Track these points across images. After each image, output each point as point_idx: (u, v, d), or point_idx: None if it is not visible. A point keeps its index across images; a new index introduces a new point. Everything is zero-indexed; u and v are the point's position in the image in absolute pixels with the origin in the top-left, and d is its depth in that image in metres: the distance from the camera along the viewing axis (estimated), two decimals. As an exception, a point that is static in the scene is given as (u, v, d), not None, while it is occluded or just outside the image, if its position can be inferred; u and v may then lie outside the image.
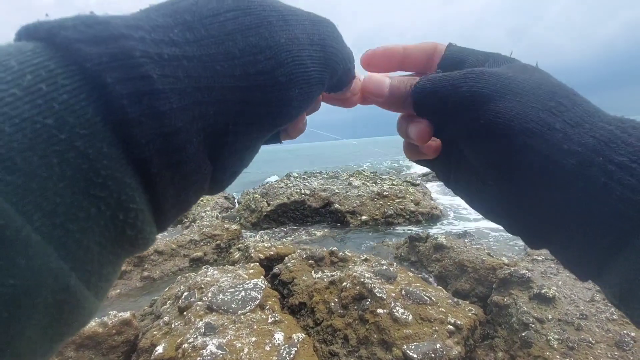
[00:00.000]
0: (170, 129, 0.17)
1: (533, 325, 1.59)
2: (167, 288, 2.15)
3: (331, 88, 0.29)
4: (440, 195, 5.59)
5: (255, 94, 0.21)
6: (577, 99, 0.25)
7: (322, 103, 0.34)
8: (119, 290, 2.72)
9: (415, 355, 1.42)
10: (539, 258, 2.22)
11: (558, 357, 1.43)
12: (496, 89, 0.26)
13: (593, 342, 1.46)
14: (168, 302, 1.94)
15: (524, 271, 1.86)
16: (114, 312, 1.79)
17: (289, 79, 0.22)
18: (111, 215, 0.17)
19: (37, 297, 0.14)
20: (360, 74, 0.32)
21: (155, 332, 1.66)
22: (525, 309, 1.68)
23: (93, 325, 1.66)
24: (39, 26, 0.16)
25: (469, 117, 0.26)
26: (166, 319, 1.72)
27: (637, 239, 0.20)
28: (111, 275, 0.19)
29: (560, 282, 1.86)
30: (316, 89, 0.25)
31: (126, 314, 1.77)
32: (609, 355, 1.39)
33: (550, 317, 1.61)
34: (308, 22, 0.24)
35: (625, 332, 1.46)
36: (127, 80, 0.16)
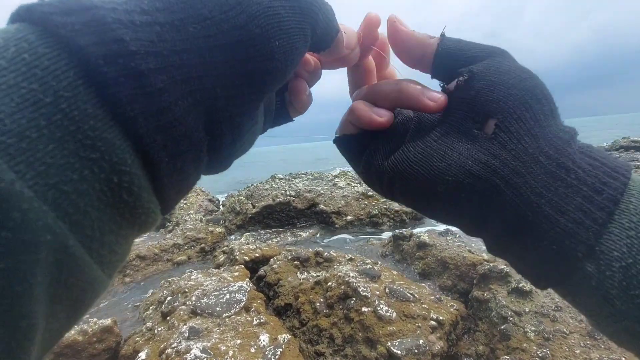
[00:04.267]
0: (151, 88, 0.18)
1: (511, 319, 1.65)
2: (150, 293, 2.12)
3: (318, 44, 0.28)
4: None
5: (234, 52, 0.21)
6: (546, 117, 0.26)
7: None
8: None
9: (399, 352, 1.44)
10: (517, 253, 2.30)
11: (535, 348, 1.49)
12: (516, 60, 0.28)
13: (567, 332, 1.52)
14: (151, 307, 1.91)
15: (502, 266, 1.92)
16: (94, 319, 1.75)
17: (264, 30, 0.22)
18: (105, 178, 0.17)
19: (35, 253, 0.14)
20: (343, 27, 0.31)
21: (137, 339, 1.63)
22: (504, 303, 1.73)
23: (72, 333, 1.62)
24: (19, 8, 0.17)
25: (492, 60, 0.27)
26: (149, 324, 1.69)
27: (585, 264, 0.22)
28: (116, 247, 0.19)
29: (536, 276, 1.93)
30: (297, 39, 0.24)
31: (107, 321, 1.73)
32: (582, 345, 1.45)
33: (527, 310, 1.67)
34: None
35: (596, 322, 1.53)
36: (100, 44, 0.17)
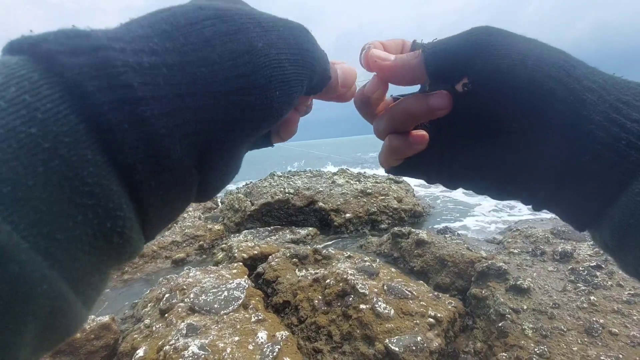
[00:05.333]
0: (153, 135, 0.18)
1: (509, 316, 1.65)
2: (149, 290, 2.12)
3: (313, 89, 0.30)
4: (422, 192, 5.70)
5: (237, 98, 0.22)
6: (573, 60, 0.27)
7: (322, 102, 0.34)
8: (98, 295, 2.65)
9: (397, 349, 1.45)
10: (515, 251, 2.30)
11: (532, 345, 1.49)
12: (506, 35, 0.27)
13: (565, 329, 1.52)
14: (149, 304, 1.90)
15: (500, 264, 1.93)
16: (92, 316, 1.75)
17: (268, 81, 0.23)
18: (99, 224, 0.17)
19: (31, 304, 0.14)
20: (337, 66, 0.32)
21: (135, 336, 1.63)
22: (502, 300, 1.73)
23: (70, 330, 1.62)
24: (23, 40, 0.17)
25: (499, 66, 0.26)
26: (147, 321, 1.69)
27: (626, 194, 0.23)
28: (99, 284, 0.19)
29: (535, 274, 1.93)
30: (296, 90, 0.26)
31: (105, 318, 1.73)
32: (579, 342, 1.46)
33: (525, 307, 1.68)
34: (283, 27, 0.25)
35: (594, 319, 1.54)
36: (107, 89, 0.16)
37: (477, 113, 0.29)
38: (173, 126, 0.19)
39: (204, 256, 3.31)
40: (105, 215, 0.17)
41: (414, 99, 0.31)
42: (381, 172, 7.16)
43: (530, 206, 0.31)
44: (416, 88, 0.34)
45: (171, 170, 0.19)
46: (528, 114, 0.26)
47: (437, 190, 5.78)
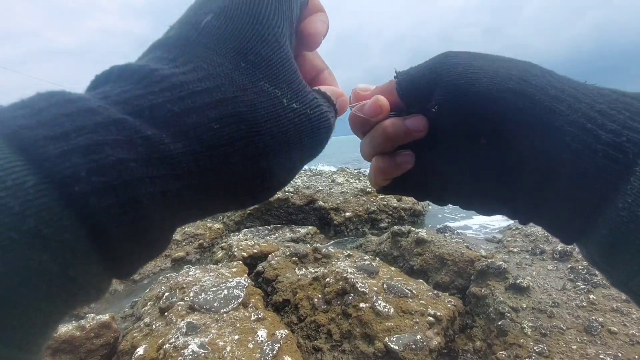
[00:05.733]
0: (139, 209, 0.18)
1: (509, 315, 1.65)
2: (148, 289, 2.12)
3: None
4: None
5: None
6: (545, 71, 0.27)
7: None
8: (97, 293, 2.65)
9: (396, 347, 1.45)
10: (515, 250, 2.30)
11: (532, 343, 1.49)
12: (464, 56, 0.29)
13: (564, 328, 1.53)
14: (149, 303, 1.90)
15: (500, 263, 1.93)
16: (92, 314, 1.75)
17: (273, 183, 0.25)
18: (67, 299, 0.17)
19: None
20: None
21: (135, 334, 1.63)
22: (502, 299, 1.74)
23: (70, 328, 1.62)
24: (51, 167, 0.16)
25: (456, 85, 0.28)
26: (147, 320, 1.69)
27: (624, 183, 0.22)
28: (52, 332, 0.19)
29: (534, 273, 1.94)
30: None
31: (105, 317, 1.73)
32: (578, 340, 1.46)
33: (524, 306, 1.68)
34: (306, 129, 0.25)
35: (593, 317, 1.54)
36: (114, 206, 0.17)
37: (449, 131, 0.29)
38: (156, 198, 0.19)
39: (204, 255, 3.31)
40: (77, 291, 0.18)
41: (392, 122, 0.32)
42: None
43: (516, 220, 0.31)
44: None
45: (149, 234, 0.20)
46: (492, 128, 0.26)
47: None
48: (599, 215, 0.23)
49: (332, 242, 3.51)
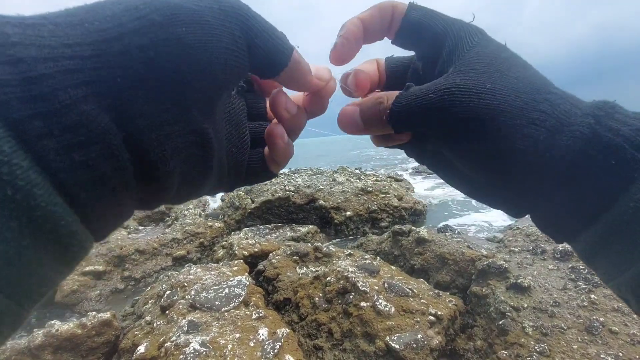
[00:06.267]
0: (31, 73, 0.16)
1: (510, 314, 1.65)
2: (149, 287, 2.12)
3: (261, 66, 0.26)
4: (422, 190, 5.70)
5: (131, 39, 0.19)
6: (554, 97, 0.25)
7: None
8: (98, 291, 2.66)
9: (397, 346, 1.45)
10: (516, 249, 2.30)
11: (532, 343, 1.49)
12: (476, 103, 0.25)
13: (565, 328, 1.53)
14: (150, 301, 1.91)
15: (501, 262, 1.93)
16: (93, 313, 1.75)
17: (167, 18, 0.20)
18: (43, 236, 0.17)
19: None
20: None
21: (136, 332, 1.63)
22: (503, 298, 1.74)
23: (71, 326, 1.62)
24: None
25: (451, 135, 0.26)
26: (148, 318, 1.70)
27: (600, 221, 0.23)
28: (39, 287, 0.18)
29: (535, 272, 1.94)
30: (219, 34, 0.22)
31: (106, 315, 1.73)
32: (579, 340, 1.46)
33: (525, 305, 1.68)
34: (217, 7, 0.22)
35: (594, 317, 1.54)
36: (31, 100, 0.16)
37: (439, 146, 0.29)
38: (58, 70, 0.17)
39: (205, 253, 3.31)
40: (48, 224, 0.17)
41: (371, 99, 0.31)
42: (380, 170, 7.15)
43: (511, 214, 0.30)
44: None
45: (66, 113, 0.17)
46: (485, 152, 0.26)
47: (438, 188, 5.78)
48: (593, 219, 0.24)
49: (333, 240, 3.51)
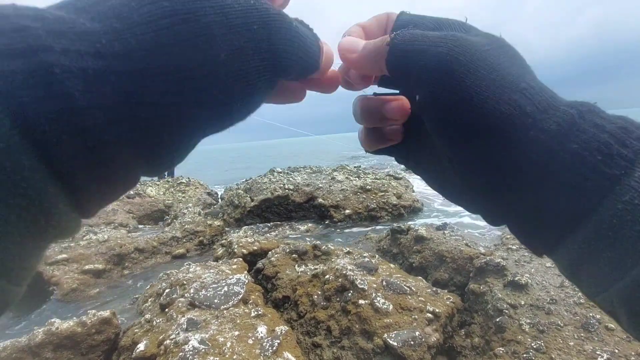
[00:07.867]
0: (94, 142, 0.17)
1: (507, 311, 1.67)
2: (149, 286, 2.13)
3: (294, 76, 0.28)
4: (422, 188, 5.71)
5: (192, 109, 0.21)
6: (540, 82, 0.25)
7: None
8: (98, 290, 2.67)
9: (395, 344, 1.46)
10: (514, 247, 2.31)
11: (530, 340, 1.50)
12: (473, 59, 0.24)
13: (562, 325, 1.54)
14: (149, 299, 1.92)
15: (499, 260, 1.94)
16: (93, 311, 1.76)
17: (228, 95, 0.22)
18: (32, 220, 0.17)
19: None
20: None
21: (136, 330, 1.64)
22: (500, 296, 1.75)
23: (71, 324, 1.63)
24: None
25: (443, 85, 0.25)
26: (147, 316, 1.70)
27: (585, 225, 0.21)
28: (34, 264, 0.19)
29: (532, 270, 1.95)
30: (261, 97, 0.25)
31: (106, 313, 1.74)
32: (576, 337, 1.47)
33: (522, 302, 1.69)
34: (257, 24, 0.23)
35: (591, 314, 1.55)
36: (44, 99, 0.16)
37: (429, 128, 0.28)
38: (119, 133, 0.18)
39: (204, 252, 3.32)
40: (40, 213, 0.17)
41: (369, 104, 0.32)
42: (380, 169, 7.16)
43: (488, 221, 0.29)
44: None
45: (113, 175, 0.19)
46: (477, 140, 0.25)
47: (437, 186, 5.76)
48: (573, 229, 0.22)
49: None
